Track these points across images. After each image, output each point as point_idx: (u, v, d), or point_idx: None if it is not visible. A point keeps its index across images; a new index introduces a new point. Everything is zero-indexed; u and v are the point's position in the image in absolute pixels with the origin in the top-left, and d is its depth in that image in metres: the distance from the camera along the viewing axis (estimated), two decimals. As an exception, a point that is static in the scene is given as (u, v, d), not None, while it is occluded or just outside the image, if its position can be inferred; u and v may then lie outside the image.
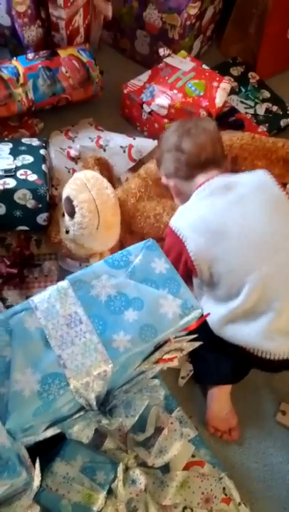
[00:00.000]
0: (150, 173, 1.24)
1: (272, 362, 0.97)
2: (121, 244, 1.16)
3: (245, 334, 0.97)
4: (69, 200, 1.07)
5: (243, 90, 1.51)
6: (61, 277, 1.16)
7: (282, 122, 1.47)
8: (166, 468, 0.98)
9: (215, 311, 0.99)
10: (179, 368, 1.13)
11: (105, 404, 0.88)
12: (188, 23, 1.38)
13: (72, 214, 1.07)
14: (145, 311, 0.76)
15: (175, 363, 1.01)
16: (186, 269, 1.03)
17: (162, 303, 0.77)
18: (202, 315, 0.80)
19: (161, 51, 1.39)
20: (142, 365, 0.83)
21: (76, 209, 1.06)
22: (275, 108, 1.49)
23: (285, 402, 1.12)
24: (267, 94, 1.52)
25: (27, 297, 1.08)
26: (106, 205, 1.07)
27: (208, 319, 1.00)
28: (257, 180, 1.05)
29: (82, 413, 0.85)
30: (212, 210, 1.02)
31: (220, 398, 1.09)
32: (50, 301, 0.76)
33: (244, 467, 1.06)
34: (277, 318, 0.95)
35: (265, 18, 1.46)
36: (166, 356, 0.83)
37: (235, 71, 1.55)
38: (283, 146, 1.27)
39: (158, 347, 0.80)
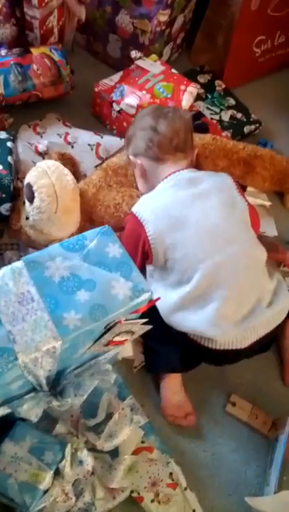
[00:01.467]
0: (110, 164, 1.28)
1: (218, 352, 1.02)
2: (80, 233, 1.19)
3: (192, 321, 1.02)
4: (29, 185, 1.10)
5: (210, 97, 1.57)
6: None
7: (246, 129, 1.53)
8: (115, 453, 1.01)
9: (165, 298, 1.03)
10: (133, 358, 1.17)
11: (56, 386, 0.90)
12: (158, 29, 1.44)
13: (31, 199, 1.10)
14: (97, 291, 0.79)
15: (128, 351, 1.04)
16: (142, 255, 1.07)
17: (114, 285, 0.80)
18: (152, 299, 0.84)
19: (133, 53, 1.44)
20: (93, 347, 0.85)
21: (35, 194, 1.09)
22: (239, 115, 1.55)
23: (236, 394, 1.16)
24: (232, 101, 1.58)
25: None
26: (65, 190, 1.10)
27: (159, 306, 1.04)
28: (220, 181, 1.11)
29: (32, 394, 0.87)
30: (174, 200, 1.07)
31: (171, 386, 1.12)
32: (3, 279, 0.78)
33: (193, 455, 1.10)
34: (224, 306, 1.00)
35: (232, 30, 1.52)
36: (116, 338, 0.86)
37: (203, 78, 1.61)
38: (244, 148, 1.33)
39: (109, 328, 0.83)
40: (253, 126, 1.54)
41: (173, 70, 1.43)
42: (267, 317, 1.04)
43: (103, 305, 0.79)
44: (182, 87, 1.38)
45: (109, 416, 1.03)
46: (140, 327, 0.87)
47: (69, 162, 1.33)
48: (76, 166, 1.35)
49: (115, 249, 0.84)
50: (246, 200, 1.11)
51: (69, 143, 1.40)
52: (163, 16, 1.41)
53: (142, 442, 1.05)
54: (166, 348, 1.11)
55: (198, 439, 1.12)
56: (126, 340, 0.88)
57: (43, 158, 1.37)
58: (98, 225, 1.22)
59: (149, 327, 0.89)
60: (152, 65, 1.43)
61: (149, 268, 1.10)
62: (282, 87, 1.72)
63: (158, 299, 0.86)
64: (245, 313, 1.02)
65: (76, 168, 1.35)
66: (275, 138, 1.58)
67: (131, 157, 1.19)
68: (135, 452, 1.03)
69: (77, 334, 0.77)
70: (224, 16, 1.54)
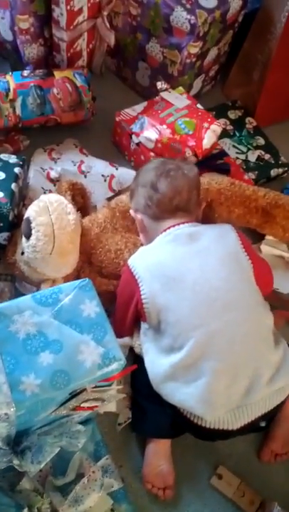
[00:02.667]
0: (119, 205, 1.20)
1: (207, 430, 0.92)
2: (78, 274, 1.13)
3: (182, 394, 0.92)
4: (28, 221, 1.05)
5: (238, 134, 1.48)
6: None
7: (273, 172, 1.44)
8: (80, 520, 0.93)
9: (156, 364, 0.95)
10: (118, 413, 1.08)
11: (19, 445, 0.83)
12: (188, 61, 1.37)
13: (28, 235, 1.04)
14: (62, 355, 0.72)
15: (111, 407, 0.96)
16: (135, 311, 0.99)
17: (82, 349, 0.73)
18: (125, 367, 0.76)
19: (159, 84, 1.37)
20: (58, 411, 0.78)
21: (33, 231, 1.04)
22: (267, 156, 1.46)
23: (224, 466, 1.06)
24: (261, 141, 1.49)
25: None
26: (64, 231, 1.04)
27: (149, 372, 0.96)
28: (222, 235, 1.02)
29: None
30: (172, 257, 0.99)
31: (157, 452, 1.03)
32: None
33: (167, 528, 1.00)
34: (215, 380, 0.90)
35: (269, 66, 1.44)
36: (84, 405, 0.79)
37: (233, 114, 1.53)
38: (264, 196, 1.22)
39: (74, 395, 0.76)
40: (281, 170, 1.45)
41: (198, 106, 1.35)
42: (264, 395, 0.93)
43: (67, 372, 0.72)
44: (205, 125, 1.30)
45: (79, 476, 0.96)
46: (113, 394, 0.80)
47: (79, 193, 1.27)
48: (86, 197, 1.29)
49: (91, 307, 0.77)
50: (251, 257, 1.01)
51: (82, 172, 1.34)
52: (194, 48, 1.34)
53: (112, 511, 0.96)
54: (156, 408, 1.01)
55: (175, 509, 1.02)
56: (96, 406, 0.81)
57: (54, 185, 1.32)
58: (96, 268, 1.16)
59: (122, 395, 0.81)
60: (177, 98, 1.35)
61: (143, 326, 1.01)
62: None
63: (134, 366, 0.78)
64: (240, 390, 0.92)
65: (86, 199, 1.29)
66: (303, 184, 1.47)
67: (131, 211, 1.13)
68: (103, 522, 0.95)
69: (34, 401, 0.70)
70: (262, 51, 1.46)
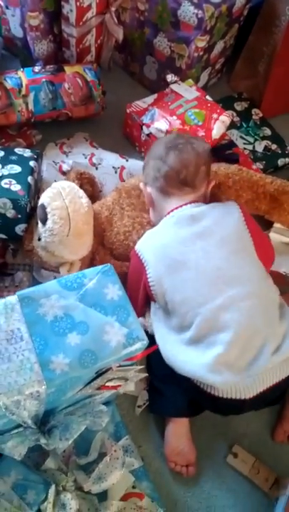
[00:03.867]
0: (125, 185, 1.25)
1: (221, 401, 0.96)
2: (93, 256, 1.17)
3: (193, 365, 0.96)
4: (43, 206, 1.09)
5: (245, 126, 1.51)
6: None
7: (280, 161, 1.47)
8: (103, 497, 0.97)
9: (168, 340, 0.99)
10: (137, 395, 1.12)
11: (46, 423, 0.87)
12: (195, 54, 1.40)
13: (44, 220, 1.08)
14: (89, 336, 0.76)
15: (131, 387, 0.99)
16: (144, 293, 1.04)
17: (108, 330, 0.77)
18: (148, 347, 0.79)
19: (169, 77, 1.41)
20: (84, 390, 0.82)
21: (48, 215, 1.07)
22: (274, 146, 1.49)
23: (240, 445, 1.10)
24: (268, 132, 1.52)
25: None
26: (78, 213, 1.08)
27: (161, 348, 1.00)
28: (225, 214, 1.06)
29: (20, 429, 0.84)
30: (175, 240, 1.03)
31: (177, 432, 1.07)
32: (-5, 314, 0.76)
33: (186, 506, 1.04)
34: (226, 351, 0.94)
35: (275, 59, 1.47)
36: (109, 384, 0.82)
37: (239, 106, 1.56)
38: (272, 182, 1.26)
39: (100, 373, 0.79)
40: (287, 159, 1.48)
41: (207, 97, 1.38)
42: (272, 365, 0.96)
43: (94, 351, 0.75)
44: (214, 116, 1.33)
45: (101, 455, 1.00)
46: (135, 374, 0.83)
47: (88, 181, 1.30)
48: (95, 185, 1.33)
49: (114, 291, 0.81)
50: (252, 234, 1.04)
51: (93, 164, 1.38)
52: (201, 42, 1.37)
53: (133, 487, 1.00)
54: (172, 389, 1.05)
55: (194, 489, 1.06)
56: (119, 385, 0.84)
57: (66, 178, 1.35)
58: (108, 250, 1.20)
59: (144, 375, 0.85)
60: (187, 90, 1.39)
61: (153, 306, 1.05)
62: None
63: (155, 347, 0.82)
64: (249, 360, 0.96)
65: (95, 187, 1.33)
66: (311, 172, 1.51)
67: (141, 184, 1.18)
68: (124, 498, 0.98)
69: (63, 380, 0.73)
70: (267, 44, 1.49)
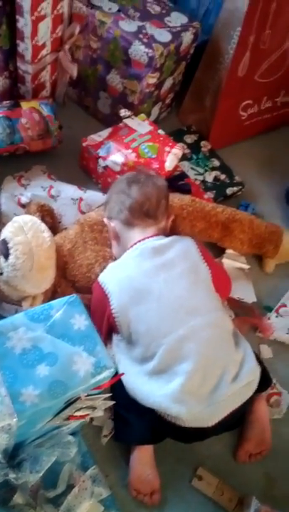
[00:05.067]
0: (87, 220, 1.29)
1: (184, 430, 0.99)
2: (54, 288, 1.18)
3: (157, 396, 0.99)
4: (4, 241, 1.10)
5: (195, 157, 1.59)
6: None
7: (229, 190, 1.55)
8: (73, 529, 0.97)
9: (130, 372, 1.01)
10: (102, 425, 1.13)
11: (14, 457, 0.87)
12: (147, 90, 1.47)
13: (6, 255, 1.09)
14: (57, 366, 0.77)
15: (96, 415, 1.00)
16: (107, 325, 1.06)
17: (76, 360, 0.78)
18: (116, 374, 0.82)
19: (122, 112, 1.46)
20: (52, 421, 0.83)
21: (11, 251, 1.08)
22: (223, 176, 1.57)
23: (204, 467, 1.13)
24: (216, 163, 1.60)
25: None
26: (41, 248, 1.10)
27: (123, 380, 1.02)
28: (184, 248, 1.12)
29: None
30: (138, 271, 1.07)
31: (142, 459, 1.08)
32: None
33: (154, 532, 1.05)
34: (188, 380, 0.98)
35: (220, 94, 1.55)
36: (77, 413, 0.84)
37: (189, 139, 1.64)
38: (223, 211, 1.34)
39: (69, 403, 0.81)
40: (235, 188, 1.56)
41: (160, 131, 1.44)
42: (232, 392, 1.01)
43: (63, 381, 0.77)
44: (167, 149, 1.39)
45: (70, 487, 1.00)
46: (102, 402, 0.85)
47: (48, 213, 1.33)
48: (55, 217, 1.35)
49: (81, 321, 0.83)
50: (210, 266, 1.11)
51: (52, 196, 1.40)
52: (152, 79, 1.44)
53: (101, 517, 1.01)
54: (136, 417, 1.07)
55: (160, 514, 1.08)
56: (87, 415, 0.86)
57: (26, 210, 1.37)
58: (70, 282, 1.22)
59: (111, 402, 0.86)
60: (140, 125, 1.44)
61: (116, 338, 1.08)
62: (267, 150, 1.74)
63: (122, 374, 0.84)
64: (210, 388, 1.00)
65: (55, 219, 1.35)
66: (257, 200, 1.59)
67: (105, 220, 1.22)
68: (94, 529, 0.99)
69: (34, 411, 0.74)
70: (212, 80, 1.58)
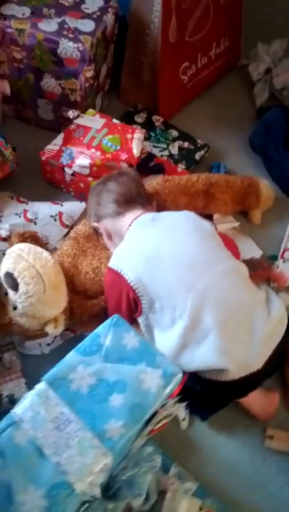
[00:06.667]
0: (79, 233, 1.27)
1: (236, 382, 1.00)
2: (70, 306, 1.15)
3: (199, 356, 0.99)
4: (8, 274, 1.06)
5: (153, 135, 1.56)
6: (25, 365, 1.14)
7: (197, 156, 1.54)
8: (179, 530, 0.97)
9: (166, 342, 1.00)
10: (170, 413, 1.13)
11: (108, 490, 0.86)
12: (86, 84, 1.42)
13: (15, 287, 1.05)
14: (129, 391, 0.76)
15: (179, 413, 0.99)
16: (129, 306, 1.05)
17: (143, 378, 0.78)
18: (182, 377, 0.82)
19: (70, 113, 1.41)
20: (136, 443, 0.82)
21: (18, 280, 1.05)
22: (186, 144, 1.55)
23: (270, 427, 1.15)
24: (175, 133, 1.58)
25: (-5, 395, 1.05)
26: (47, 267, 1.07)
27: (164, 352, 0.99)
28: (182, 214, 1.15)
29: (86, 505, 0.83)
30: (144, 240, 1.09)
31: (249, 401, 1.10)
32: (33, 408, 0.74)
33: (249, 502, 1.08)
34: (224, 329, 0.99)
35: (157, 65, 1.52)
36: (157, 426, 0.84)
37: (140, 118, 1.60)
38: (198, 179, 1.34)
39: (148, 421, 0.80)
40: (202, 152, 1.55)
41: (114, 121, 1.41)
42: (269, 330, 1.03)
43: (140, 403, 0.76)
44: (129, 136, 1.36)
45: (161, 493, 1.00)
46: (176, 407, 0.85)
47: (32, 239, 1.27)
48: (40, 240, 1.31)
49: (132, 339, 0.82)
50: (212, 223, 1.16)
51: (30, 220, 1.36)
52: (89, 72, 1.39)
53: (200, 509, 1.02)
54: (199, 395, 1.05)
55: (247, 485, 1.09)
56: (165, 423, 0.86)
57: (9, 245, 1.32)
58: (82, 293, 1.20)
59: (184, 403, 0.86)
60: (92, 121, 1.40)
61: (141, 319, 1.06)
62: (215, 105, 1.73)
63: (186, 375, 0.84)
64: (247, 331, 1.01)
65: (40, 242, 1.30)
66: (225, 157, 1.59)
67: (94, 225, 1.22)
68: (198, 522, 1.00)
69: (124, 442, 0.74)
70: (144, 54, 1.54)
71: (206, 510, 1.02)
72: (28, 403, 0.74)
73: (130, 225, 1.13)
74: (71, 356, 0.79)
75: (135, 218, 1.13)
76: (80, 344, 0.80)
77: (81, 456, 0.70)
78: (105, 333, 0.81)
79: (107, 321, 0.83)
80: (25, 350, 1.18)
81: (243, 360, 1.00)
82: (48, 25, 1.35)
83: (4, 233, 1.33)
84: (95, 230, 1.25)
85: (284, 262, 1.38)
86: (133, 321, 1.09)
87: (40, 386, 0.75)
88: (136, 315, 1.06)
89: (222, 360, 0.99)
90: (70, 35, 1.33)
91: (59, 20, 1.36)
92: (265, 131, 1.57)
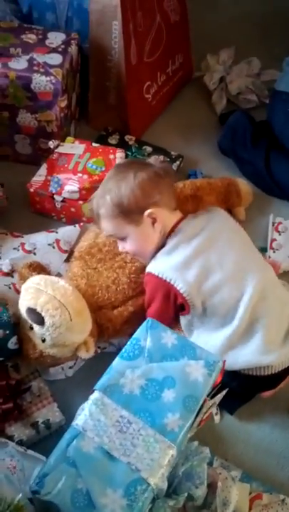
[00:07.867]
0: (82, 250, 1.30)
1: (276, 375, 1.07)
2: (97, 325, 1.18)
3: (244, 356, 1.05)
4: (31, 310, 1.08)
5: (130, 153, 1.63)
6: (53, 391, 1.16)
7: (174, 166, 1.61)
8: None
9: (211, 342, 1.05)
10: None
11: (168, 487, 0.89)
12: (62, 114, 1.48)
13: (41, 321, 1.07)
14: (179, 385, 0.81)
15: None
16: (175, 309, 1.10)
17: (188, 370, 0.83)
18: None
19: (51, 143, 1.46)
20: (188, 434, 0.86)
21: (42, 313, 1.07)
22: (162, 158, 1.62)
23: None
24: (149, 148, 1.65)
25: (32, 425, 1.07)
26: (67, 296, 1.09)
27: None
28: (217, 216, 1.22)
29: (150, 505, 0.86)
30: (192, 250, 1.12)
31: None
32: (93, 417, 0.77)
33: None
34: (268, 332, 1.06)
35: (122, 88, 1.60)
36: (204, 416, 0.88)
37: (113, 140, 1.67)
38: (185, 185, 1.41)
39: (198, 412, 0.85)
40: (178, 162, 1.63)
41: (94, 144, 1.47)
42: None
43: (190, 394, 0.81)
44: (111, 156, 1.43)
45: (210, 486, 1.03)
46: (219, 395, 0.90)
47: (40, 269, 1.31)
48: (47, 269, 1.34)
49: (170, 337, 0.87)
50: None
51: (29, 251, 1.38)
52: (63, 102, 1.45)
53: (249, 494, 1.06)
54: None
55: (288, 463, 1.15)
56: (210, 413, 0.90)
57: (13, 277, 1.34)
58: (110, 309, 1.21)
59: (225, 390, 0.91)
60: (73, 147, 1.46)
61: (186, 318, 1.11)
62: (178, 118, 1.82)
63: (224, 361, 0.89)
64: (285, 330, 1.10)
65: (47, 271, 1.34)
66: (199, 164, 1.68)
67: (150, 211, 1.14)
68: (250, 506, 1.04)
69: (183, 432, 0.78)
70: (108, 79, 1.61)
71: (255, 493, 1.06)
72: (87, 413, 0.77)
73: (173, 232, 1.16)
74: (117, 363, 0.83)
75: (176, 225, 1.17)
76: (122, 351, 0.84)
77: (148, 453, 0.74)
78: (144, 336, 0.86)
79: (143, 325, 0.87)
80: (49, 376, 1.20)
81: (285, 353, 1.08)
82: (18, 64, 1.40)
83: (6, 268, 1.35)
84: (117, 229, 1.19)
85: (274, 251, 1.46)
86: (175, 319, 1.15)
87: (95, 395, 0.79)
88: (182, 313, 1.12)
89: (266, 359, 1.06)
90: (42, 70, 1.39)
91: (27, 57, 1.42)
92: (231, 134, 1.67)
